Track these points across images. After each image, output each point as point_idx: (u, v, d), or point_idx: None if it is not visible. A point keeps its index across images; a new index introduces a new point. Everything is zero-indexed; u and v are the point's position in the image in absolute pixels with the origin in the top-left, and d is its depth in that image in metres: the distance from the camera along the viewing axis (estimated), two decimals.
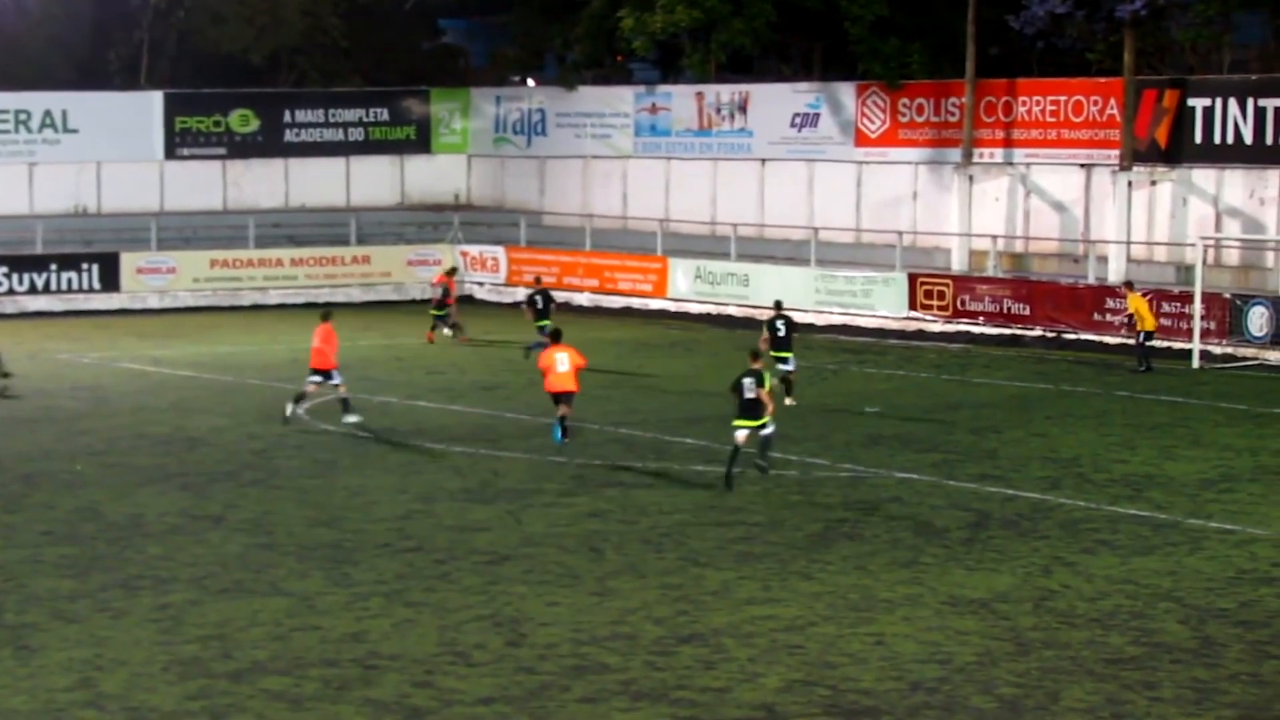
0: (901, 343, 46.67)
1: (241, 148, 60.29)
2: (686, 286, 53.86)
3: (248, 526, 24.33)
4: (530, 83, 68.41)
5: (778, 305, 36.77)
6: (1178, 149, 47.70)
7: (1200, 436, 31.92)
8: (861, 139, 54.13)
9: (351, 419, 32.40)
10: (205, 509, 25.43)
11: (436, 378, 39.55)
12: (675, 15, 54.27)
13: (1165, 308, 43.67)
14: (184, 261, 55.90)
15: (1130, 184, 47.92)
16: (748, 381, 27.09)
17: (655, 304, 54.08)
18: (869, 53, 53.22)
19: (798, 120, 55.44)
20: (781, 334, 35.02)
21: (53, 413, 34.51)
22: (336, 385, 32.68)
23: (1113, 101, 48.42)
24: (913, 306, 49.00)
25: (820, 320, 48.95)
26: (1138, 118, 47.76)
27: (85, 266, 54.67)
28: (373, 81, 64.12)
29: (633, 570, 21.86)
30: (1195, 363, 41.44)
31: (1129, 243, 48.02)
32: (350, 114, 61.72)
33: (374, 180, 62.12)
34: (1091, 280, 46.95)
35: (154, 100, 59.42)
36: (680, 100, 58.62)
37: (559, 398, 30.46)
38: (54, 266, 54.42)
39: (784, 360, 34.75)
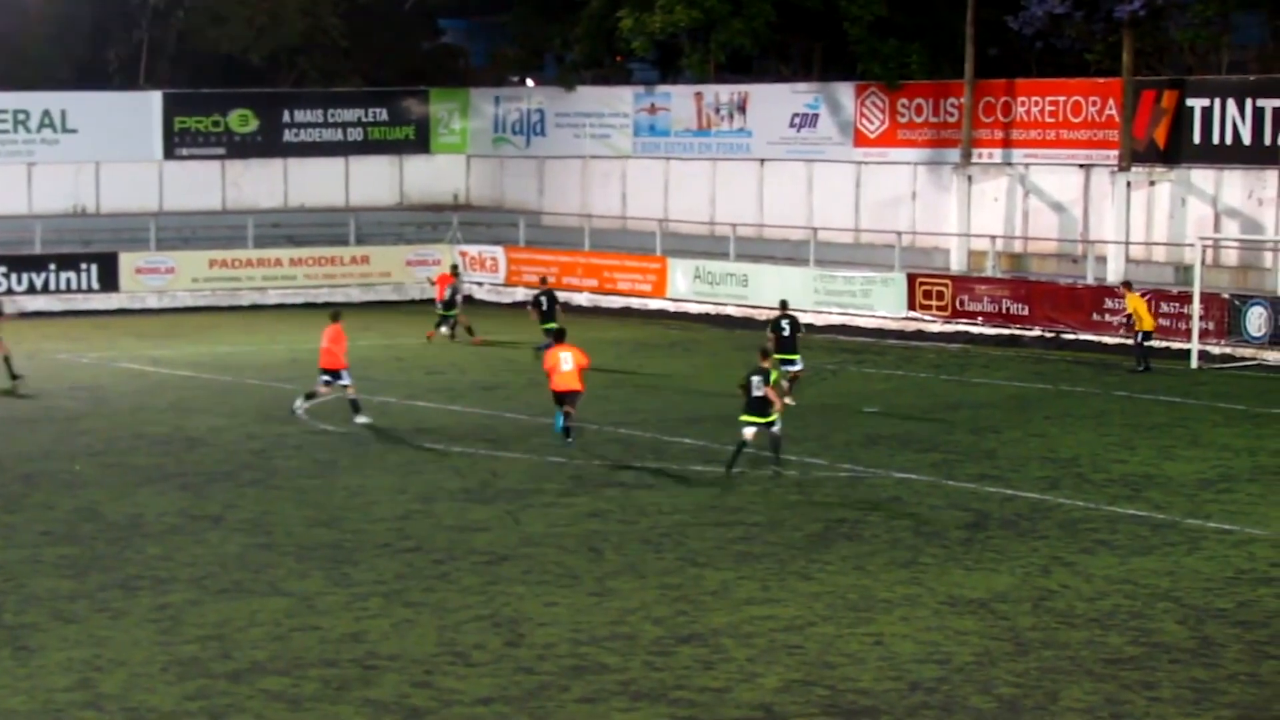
0: (900, 343, 46.68)
1: (240, 148, 60.29)
2: (685, 286, 53.88)
3: (247, 527, 24.34)
4: (529, 83, 68.41)
5: (783, 305, 36.72)
6: (1176, 149, 47.71)
7: (1199, 437, 31.93)
8: (860, 139, 54.15)
9: (362, 419, 32.40)
10: (204, 509, 25.44)
11: (436, 378, 39.57)
12: (674, 15, 54.27)
13: (1164, 308, 43.69)
14: (183, 261, 55.90)
15: (1129, 184, 47.94)
16: (756, 379, 27.39)
17: (654, 304, 54.09)
18: (868, 53, 53.23)
19: (797, 120, 55.45)
20: (786, 334, 35.01)
21: (52, 413, 34.52)
22: (346, 386, 32.66)
23: (1111, 102, 48.44)
24: (912, 307, 49.01)
25: (819, 320, 48.91)
26: (1136, 118, 47.77)
27: (84, 266, 54.67)
28: (372, 81, 64.12)
29: (632, 570, 21.87)
30: (1194, 363, 41.46)
31: (1128, 243, 48.04)
32: (349, 114, 61.72)
33: (373, 180, 62.12)
34: (1090, 280, 46.97)
35: (153, 100, 59.42)
36: (679, 100, 58.62)
37: (563, 398, 30.45)
38: (53, 266, 54.42)
39: (790, 362, 34.61)
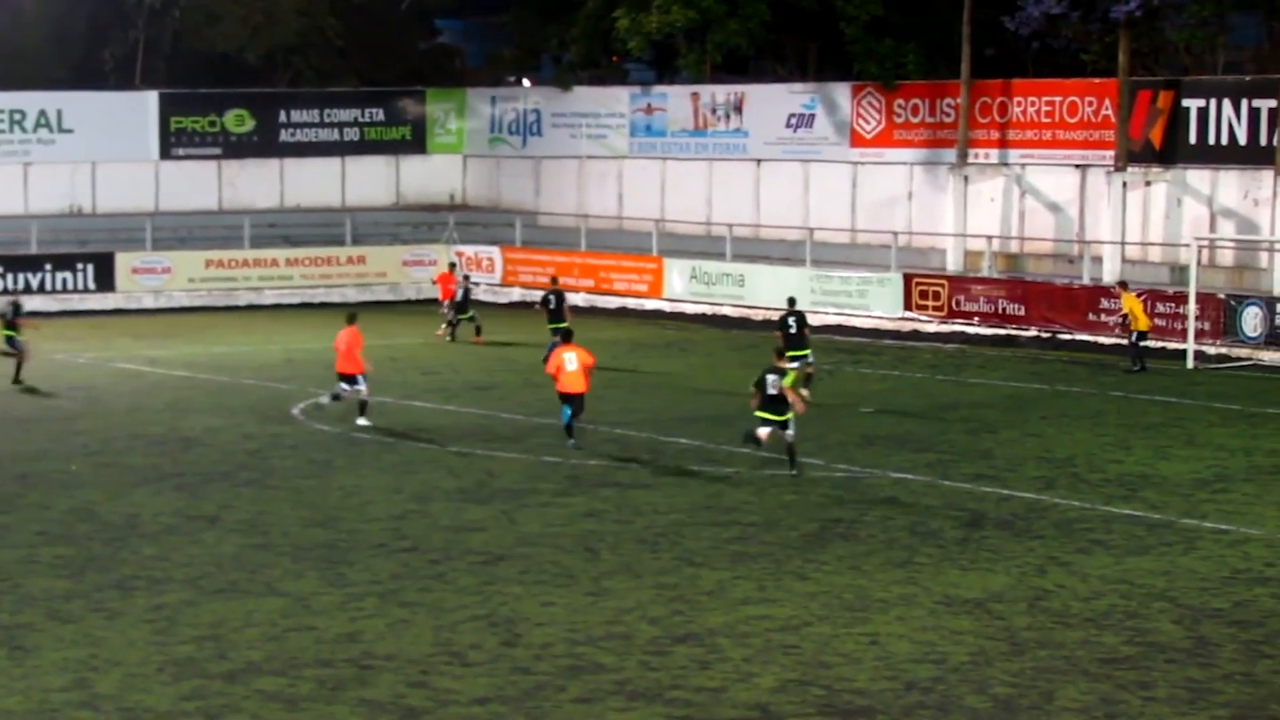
0: (897, 343, 46.70)
1: (237, 148, 60.29)
2: (682, 287, 53.89)
3: (243, 527, 24.33)
4: (526, 83, 68.43)
5: (790, 302, 36.91)
6: (1172, 150, 47.75)
7: (1194, 436, 31.95)
8: (857, 139, 54.17)
9: (363, 421, 32.36)
10: (200, 509, 25.44)
11: (432, 378, 39.56)
12: (671, 16, 54.30)
13: (1160, 308, 43.71)
14: (179, 261, 55.90)
15: (1125, 184, 47.98)
16: (771, 378, 27.49)
17: (651, 304, 54.10)
18: (864, 53, 53.25)
19: (793, 121, 55.47)
20: (793, 330, 35.07)
21: (48, 413, 34.52)
22: (359, 389, 32.57)
23: (1107, 102, 48.47)
24: (908, 307, 49.04)
25: (815, 320, 48.75)
26: (1132, 118, 47.80)
27: (80, 266, 54.69)
28: (368, 81, 64.10)
29: (628, 570, 21.88)
30: (1190, 363, 41.49)
31: (1124, 243, 48.08)
32: (346, 114, 61.73)
33: (369, 180, 62.12)
34: (1086, 281, 47.00)
35: (149, 100, 59.42)
36: (676, 101, 58.64)
37: (568, 399, 30.39)
38: (49, 266, 54.43)
39: (801, 357, 34.61)
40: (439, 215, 61.45)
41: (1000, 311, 47.32)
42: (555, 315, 41.24)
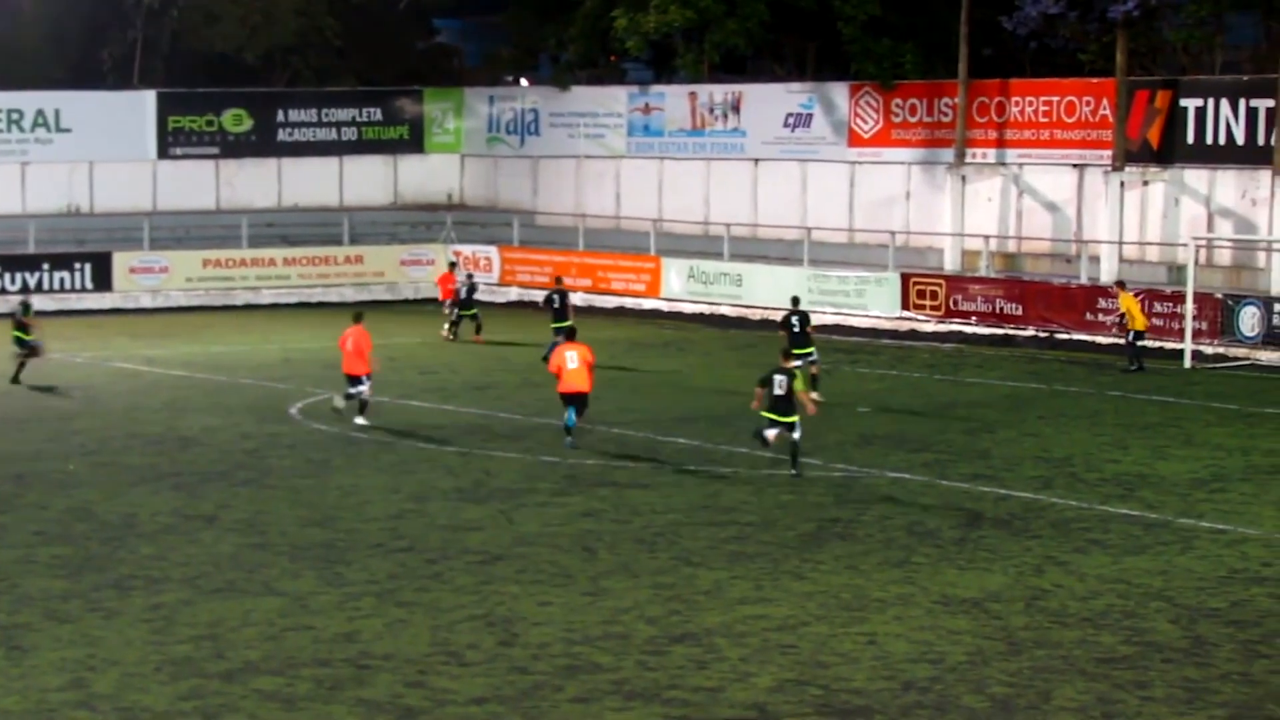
0: (894, 343, 46.71)
1: (234, 147, 60.28)
2: (680, 286, 53.90)
3: (240, 526, 24.33)
4: (524, 82, 68.44)
5: (794, 302, 37.03)
6: (1170, 149, 47.77)
7: (1192, 436, 31.97)
8: (854, 139, 54.18)
9: (361, 420, 32.36)
10: (198, 509, 25.44)
11: (429, 377, 39.56)
12: (669, 15, 54.31)
13: (1157, 308, 43.74)
14: (177, 261, 55.89)
15: (1122, 184, 47.99)
16: (779, 378, 27.44)
17: (648, 304, 54.10)
18: (862, 53, 53.26)
19: (791, 120, 55.47)
20: (797, 329, 35.13)
21: (45, 412, 34.51)
22: (362, 390, 32.54)
23: (1105, 102, 48.49)
24: (905, 306, 49.05)
25: (813, 320, 48.86)
26: (1130, 118, 47.81)
27: (78, 266, 54.67)
28: (366, 81, 64.11)
29: (625, 570, 21.88)
30: (1187, 363, 41.50)
31: (1121, 243, 48.09)
32: (343, 113, 61.72)
33: (367, 180, 62.11)
34: (1084, 280, 47.02)
35: (147, 99, 59.40)
36: (673, 100, 58.64)
37: (571, 399, 30.36)
38: (46, 266, 54.40)
39: (806, 355, 34.64)
40: (437, 215, 61.45)
41: (998, 311, 47.34)
42: (559, 315, 41.25)
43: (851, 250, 53.25)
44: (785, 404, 27.44)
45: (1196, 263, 42.96)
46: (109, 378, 39.59)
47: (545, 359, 35.44)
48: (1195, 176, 47.56)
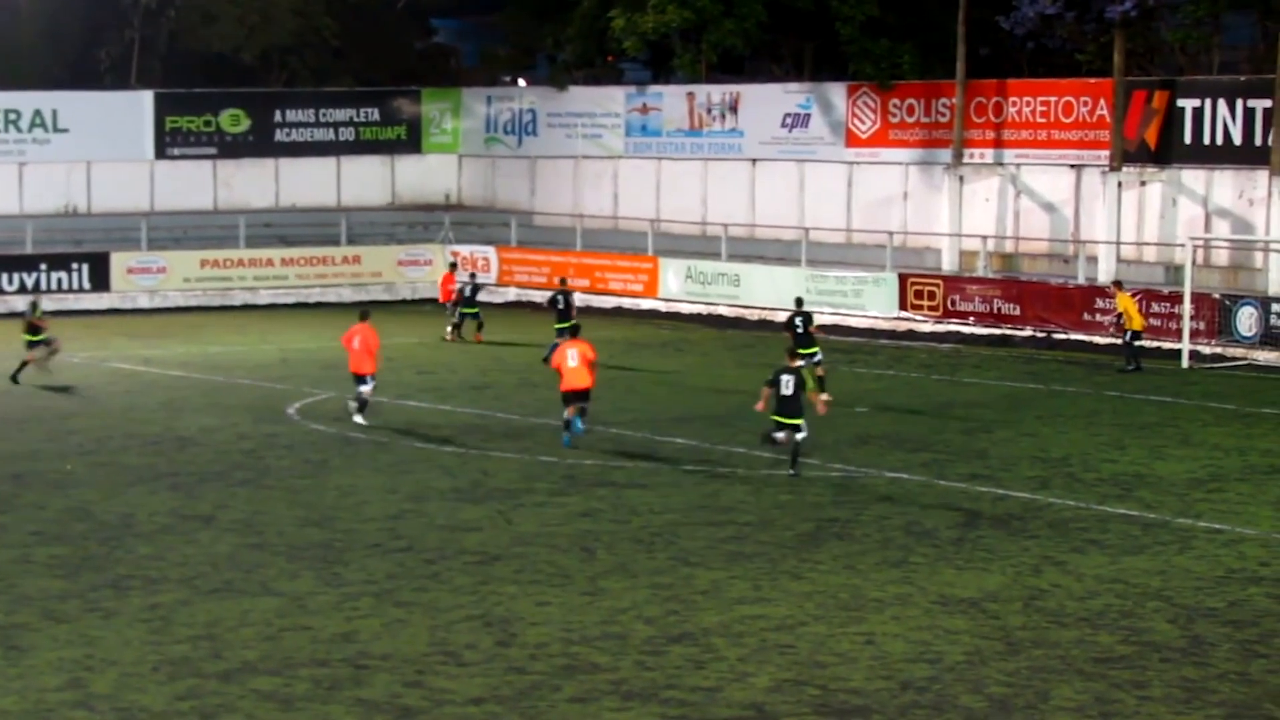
0: (892, 343, 46.72)
1: (232, 147, 60.27)
2: (677, 286, 53.90)
3: (238, 526, 24.33)
4: (521, 83, 68.46)
5: (798, 303, 37.08)
6: (1167, 150, 47.79)
7: (1189, 436, 31.98)
8: (852, 139, 54.19)
9: (360, 420, 32.34)
10: (196, 509, 25.43)
11: (427, 377, 39.56)
12: (666, 15, 54.33)
13: (1155, 308, 43.76)
14: (174, 261, 55.88)
15: (1120, 184, 48.00)
16: (785, 378, 27.37)
17: (646, 304, 54.11)
18: (860, 53, 53.28)
19: (788, 120, 55.47)
20: (800, 330, 35.16)
21: (43, 412, 34.50)
22: (364, 390, 32.51)
23: (1102, 102, 48.50)
24: (903, 306, 49.06)
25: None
26: (1127, 118, 47.83)
27: (75, 266, 54.64)
28: (364, 81, 64.10)
29: (623, 570, 21.88)
30: (1185, 363, 41.52)
31: (1118, 243, 48.10)
32: (341, 114, 61.71)
33: (365, 180, 62.11)
34: (1081, 280, 47.03)
35: (144, 100, 59.39)
36: (671, 100, 58.65)
37: (572, 397, 30.32)
38: (44, 266, 54.38)
39: (810, 355, 34.61)
40: (434, 215, 61.44)
41: (995, 311, 47.35)
42: (564, 316, 41.27)
43: (849, 250, 53.26)
44: (792, 405, 27.37)
45: (1194, 263, 42.99)
46: (106, 378, 39.58)
47: (546, 359, 35.46)
48: (1192, 177, 47.58)
